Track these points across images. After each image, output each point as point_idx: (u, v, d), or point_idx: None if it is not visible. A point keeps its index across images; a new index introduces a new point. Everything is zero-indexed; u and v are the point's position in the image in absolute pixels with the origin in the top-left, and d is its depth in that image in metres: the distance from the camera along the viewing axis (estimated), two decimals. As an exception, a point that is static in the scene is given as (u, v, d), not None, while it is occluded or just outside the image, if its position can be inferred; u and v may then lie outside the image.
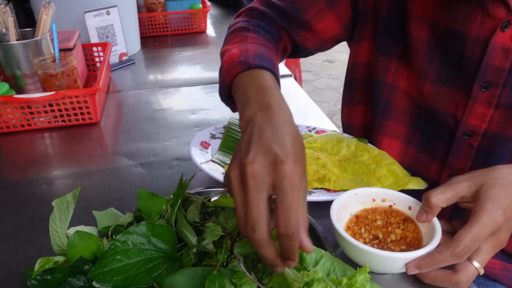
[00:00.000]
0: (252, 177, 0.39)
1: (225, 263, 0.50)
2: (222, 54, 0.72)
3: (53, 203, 0.54)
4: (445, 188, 0.54)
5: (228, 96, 0.65)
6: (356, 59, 0.83)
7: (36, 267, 0.47)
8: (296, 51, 0.86)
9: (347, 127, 0.95)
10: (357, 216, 0.61)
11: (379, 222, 0.59)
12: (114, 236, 0.56)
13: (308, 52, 0.88)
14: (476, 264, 0.51)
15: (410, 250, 0.52)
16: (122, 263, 0.46)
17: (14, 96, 0.94)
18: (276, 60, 0.70)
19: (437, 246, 0.51)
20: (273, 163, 0.40)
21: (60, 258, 0.48)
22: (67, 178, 0.82)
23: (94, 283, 0.45)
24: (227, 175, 0.43)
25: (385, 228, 0.58)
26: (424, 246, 0.52)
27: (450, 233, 0.55)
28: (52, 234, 0.52)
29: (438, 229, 0.53)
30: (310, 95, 1.22)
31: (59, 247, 0.52)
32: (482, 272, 0.52)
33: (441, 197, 0.53)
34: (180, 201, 0.57)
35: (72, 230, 0.55)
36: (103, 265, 0.45)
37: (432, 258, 0.50)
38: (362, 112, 0.90)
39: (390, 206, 0.62)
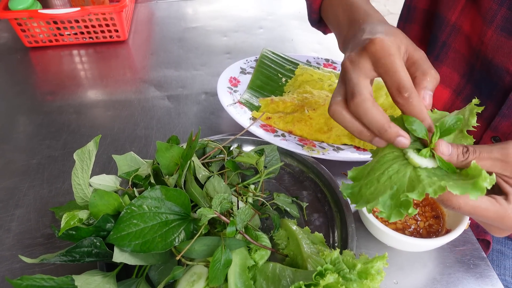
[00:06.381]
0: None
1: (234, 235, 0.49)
2: None
3: (75, 155, 0.54)
4: (495, 150, 0.39)
5: (317, 20, 0.68)
6: None
7: (62, 222, 0.49)
8: None
9: None
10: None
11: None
12: (134, 184, 0.57)
13: None
14: None
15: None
16: (139, 227, 0.47)
17: (39, 11, 0.90)
18: None
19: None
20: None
21: (84, 215, 0.50)
22: (95, 107, 0.81)
23: (114, 258, 0.46)
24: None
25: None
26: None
27: None
28: (75, 188, 0.53)
29: (464, 221, 0.50)
30: None
31: (82, 199, 0.54)
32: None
33: (485, 156, 0.39)
34: (188, 162, 0.55)
35: (94, 179, 0.57)
36: (120, 229, 0.47)
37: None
38: None
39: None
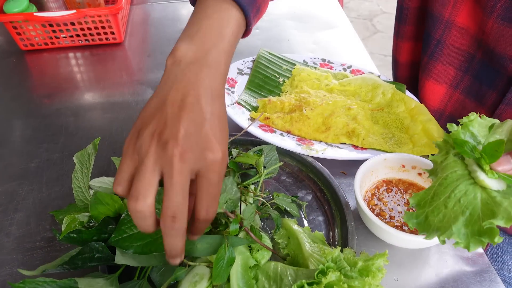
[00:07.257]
0: (181, 160, 0.35)
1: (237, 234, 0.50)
2: None
3: (74, 158, 0.54)
4: None
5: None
6: None
7: (63, 226, 0.49)
8: None
9: (394, 61, 0.87)
10: (381, 185, 0.59)
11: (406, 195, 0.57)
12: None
13: None
14: None
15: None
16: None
17: (35, 14, 0.89)
18: None
19: None
20: (205, 152, 0.37)
21: (85, 218, 0.50)
22: (93, 109, 0.81)
23: (116, 260, 0.46)
24: (139, 139, 0.37)
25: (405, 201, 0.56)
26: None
27: None
28: (75, 191, 0.53)
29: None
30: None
31: (82, 202, 0.54)
32: None
33: None
34: None
35: (94, 182, 0.57)
36: (121, 231, 0.47)
37: None
38: (411, 49, 0.81)
39: (420, 174, 0.59)
